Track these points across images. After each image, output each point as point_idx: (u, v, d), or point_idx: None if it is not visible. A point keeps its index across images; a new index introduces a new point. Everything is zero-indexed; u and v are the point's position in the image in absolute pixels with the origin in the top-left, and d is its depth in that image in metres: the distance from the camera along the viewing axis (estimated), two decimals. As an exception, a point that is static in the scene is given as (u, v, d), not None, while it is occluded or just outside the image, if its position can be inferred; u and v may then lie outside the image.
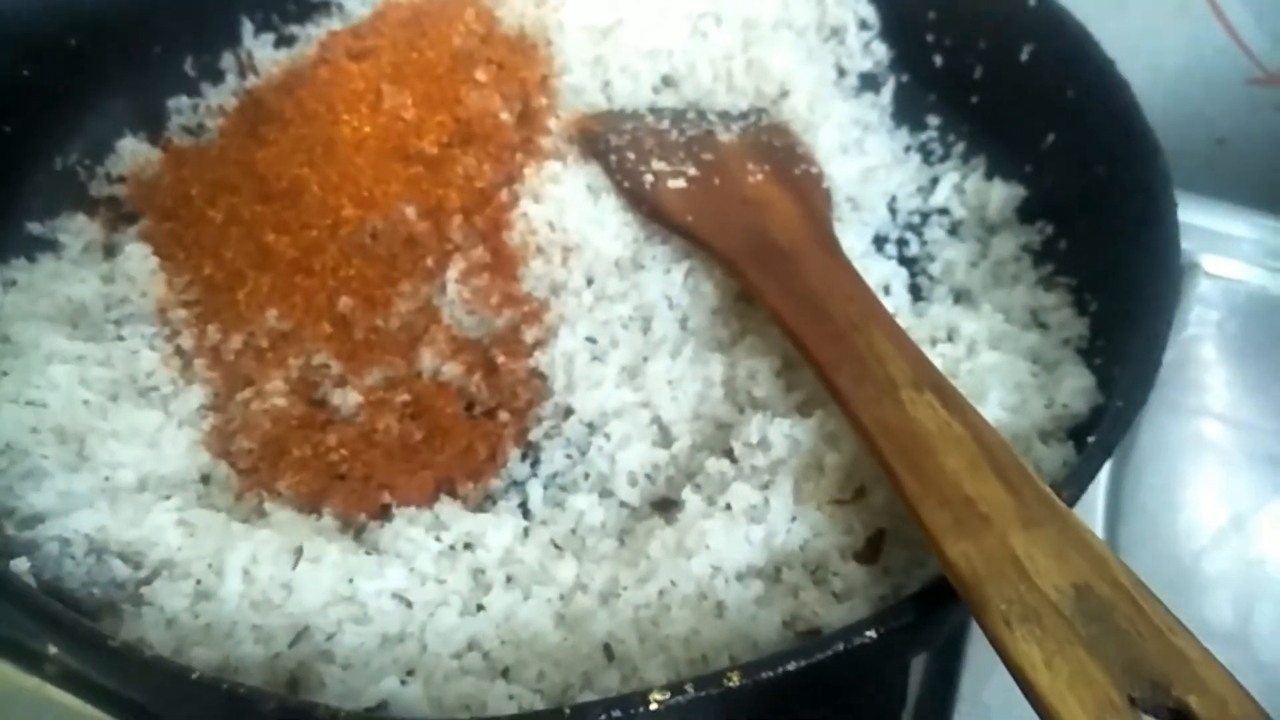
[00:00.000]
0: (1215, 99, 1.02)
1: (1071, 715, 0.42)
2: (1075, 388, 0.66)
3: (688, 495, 0.64)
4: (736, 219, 0.74)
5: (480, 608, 0.60)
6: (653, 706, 0.47)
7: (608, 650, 0.58)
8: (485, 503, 0.69)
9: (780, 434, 0.63)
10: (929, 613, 0.51)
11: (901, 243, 0.84)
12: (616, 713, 0.47)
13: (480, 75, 0.82)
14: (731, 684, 0.48)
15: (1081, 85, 0.78)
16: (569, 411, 0.72)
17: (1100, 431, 0.58)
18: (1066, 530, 0.50)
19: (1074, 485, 0.55)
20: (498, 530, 0.64)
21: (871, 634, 0.49)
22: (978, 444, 0.55)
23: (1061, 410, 0.65)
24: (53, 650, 0.72)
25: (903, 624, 0.50)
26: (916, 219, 0.86)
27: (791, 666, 0.48)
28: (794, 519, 0.60)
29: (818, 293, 0.67)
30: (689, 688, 0.47)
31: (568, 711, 0.47)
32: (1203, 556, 0.79)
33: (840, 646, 0.49)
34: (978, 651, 0.76)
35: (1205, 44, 0.99)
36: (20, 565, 0.55)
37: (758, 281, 0.69)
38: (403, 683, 0.55)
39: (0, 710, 0.71)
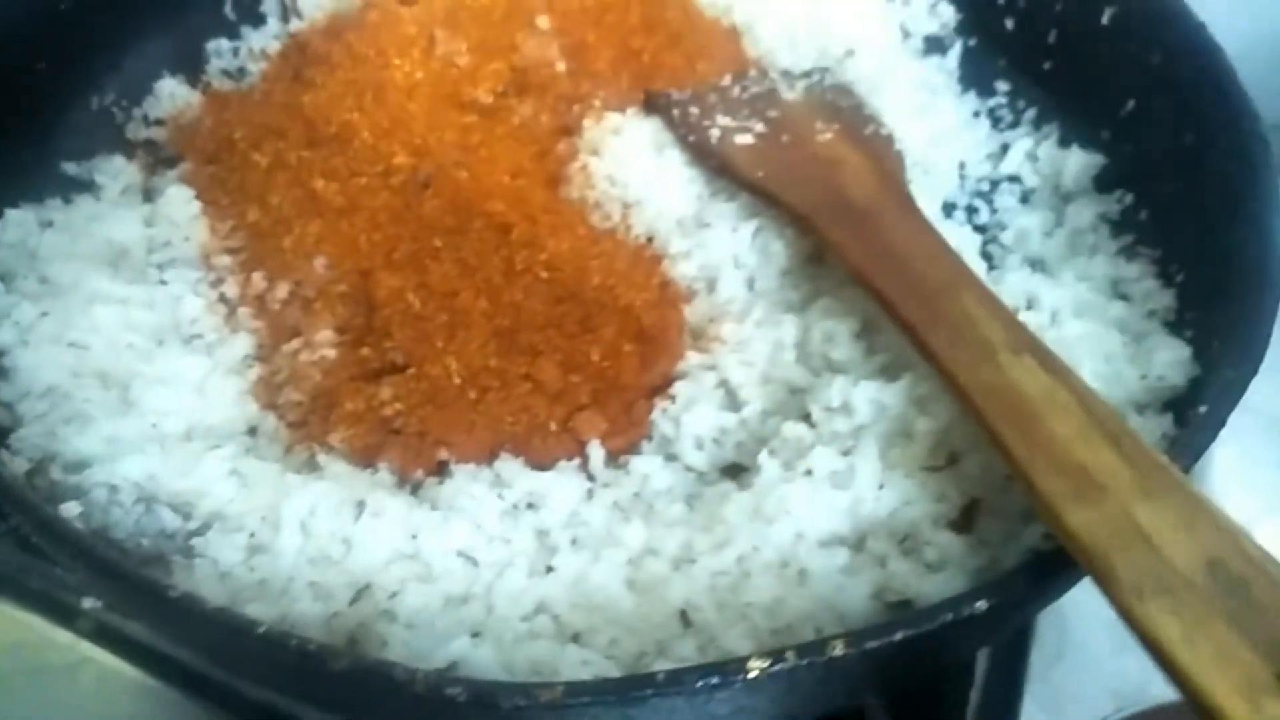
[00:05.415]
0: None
1: (1219, 694, 0.39)
2: (1171, 359, 0.62)
3: (763, 460, 0.60)
4: (810, 175, 0.71)
5: (549, 569, 0.57)
6: (751, 675, 0.44)
7: (684, 617, 0.55)
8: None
9: (864, 398, 0.60)
10: (1041, 583, 0.48)
11: (971, 210, 0.81)
12: (715, 679, 0.44)
13: (541, 22, 0.78)
14: (835, 653, 0.45)
15: (1169, 50, 0.75)
16: (629, 372, 0.68)
17: (1211, 401, 0.55)
18: (1190, 502, 0.47)
19: (1185, 457, 0.52)
20: (562, 489, 0.61)
21: (983, 604, 0.46)
22: (1085, 410, 0.51)
23: (1157, 382, 0.62)
24: (87, 605, 0.69)
25: (1015, 595, 0.47)
26: (986, 186, 0.82)
27: (899, 636, 0.45)
28: (881, 486, 0.57)
29: (901, 252, 0.63)
30: (790, 655, 0.44)
31: (661, 677, 0.44)
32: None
33: (949, 617, 0.46)
34: (1046, 631, 0.73)
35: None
36: (71, 510, 0.52)
37: (837, 239, 0.65)
38: (473, 644, 0.51)
39: (33, 666, 0.68)
